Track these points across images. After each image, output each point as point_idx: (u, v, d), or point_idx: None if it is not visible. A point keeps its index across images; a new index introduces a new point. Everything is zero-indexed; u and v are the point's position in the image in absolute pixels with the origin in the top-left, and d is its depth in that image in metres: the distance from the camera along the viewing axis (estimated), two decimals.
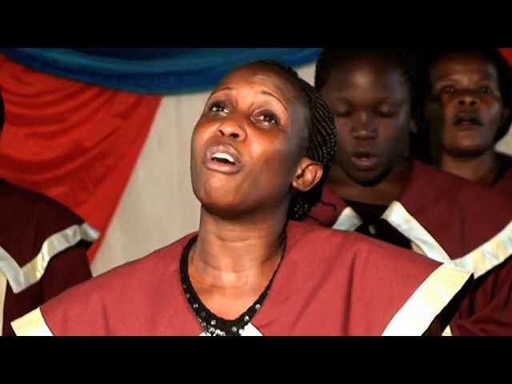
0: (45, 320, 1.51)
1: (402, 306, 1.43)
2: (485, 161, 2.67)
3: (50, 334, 1.51)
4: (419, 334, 1.41)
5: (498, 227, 2.34)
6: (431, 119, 2.63)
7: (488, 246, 2.35)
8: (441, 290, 1.43)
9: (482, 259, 2.36)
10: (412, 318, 1.42)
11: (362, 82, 2.28)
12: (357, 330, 1.43)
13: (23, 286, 2.82)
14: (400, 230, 2.28)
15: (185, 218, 3.59)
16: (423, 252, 2.33)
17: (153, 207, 3.86)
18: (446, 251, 2.27)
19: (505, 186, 2.70)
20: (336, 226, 2.26)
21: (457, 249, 2.33)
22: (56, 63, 3.82)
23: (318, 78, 2.38)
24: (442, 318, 1.47)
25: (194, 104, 3.77)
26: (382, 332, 1.42)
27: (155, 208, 3.85)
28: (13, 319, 1.74)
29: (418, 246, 2.29)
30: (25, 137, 3.38)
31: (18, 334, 1.53)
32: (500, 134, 2.88)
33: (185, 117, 3.86)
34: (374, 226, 2.30)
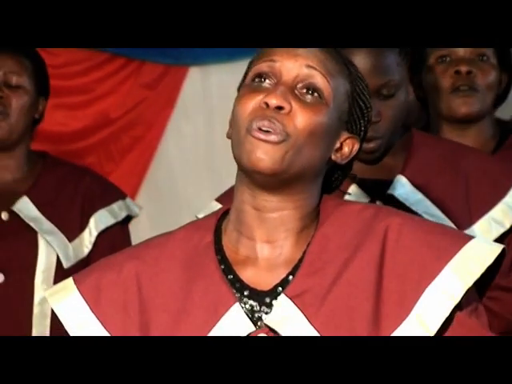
0: (77, 287, 1.50)
1: (433, 279, 1.41)
2: (484, 128, 2.67)
3: (83, 301, 1.49)
4: (450, 308, 1.39)
5: (502, 193, 2.33)
6: (428, 89, 2.64)
7: (493, 213, 2.33)
8: (472, 264, 1.43)
9: (489, 228, 2.36)
10: (444, 292, 1.41)
11: (361, 68, 2.32)
12: (389, 301, 1.42)
13: (72, 261, 2.83)
14: (407, 203, 2.27)
15: (212, 189, 3.28)
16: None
17: (180, 178, 3.86)
18: (455, 223, 2.25)
19: (506, 154, 2.69)
20: None
21: (464, 220, 2.32)
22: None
23: None
24: (479, 289, 1.47)
25: (221, 74, 3.86)
26: (414, 305, 1.40)
27: (183, 179, 3.85)
28: None
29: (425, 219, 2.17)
30: (51, 108, 3.15)
31: (51, 301, 1.52)
32: (499, 100, 2.88)
33: (211, 87, 3.90)
34: (382, 201, 2.28)
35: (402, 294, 1.41)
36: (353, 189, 2.19)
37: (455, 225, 2.25)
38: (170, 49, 3.88)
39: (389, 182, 2.29)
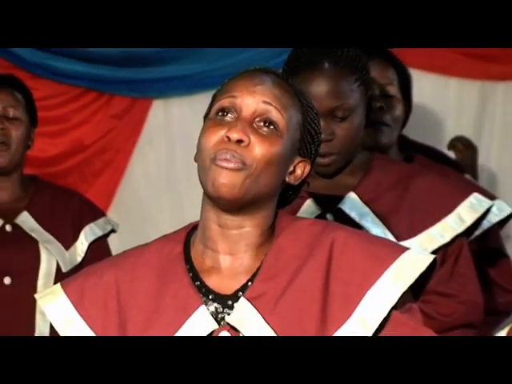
0: (64, 290, 1.63)
1: (373, 284, 1.54)
2: (392, 156, 2.88)
3: (68, 301, 1.64)
4: (388, 308, 1.53)
5: (446, 212, 2.46)
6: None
7: (434, 229, 2.47)
8: (407, 271, 1.54)
9: (430, 240, 2.48)
10: (382, 295, 1.54)
11: (317, 92, 2.39)
12: (334, 303, 1.56)
13: (69, 267, 3.10)
14: (352, 216, 2.42)
15: (173, 208, 3.77)
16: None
17: (145, 198, 4.11)
18: (393, 234, 2.41)
19: None
20: (299, 214, 2.42)
21: (404, 232, 2.45)
22: (58, 70, 4.09)
23: None
24: (414, 293, 1.69)
25: (181, 106, 4.12)
26: (357, 306, 1.54)
27: (147, 199, 4.10)
28: None
29: (368, 230, 2.44)
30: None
31: (40, 302, 1.68)
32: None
33: (173, 118, 4.15)
34: (332, 214, 2.44)
35: (346, 298, 1.53)
36: (308, 202, 2.38)
37: (395, 236, 2.42)
38: (136, 84, 4.16)
39: (342, 198, 2.46)
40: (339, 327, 1.53)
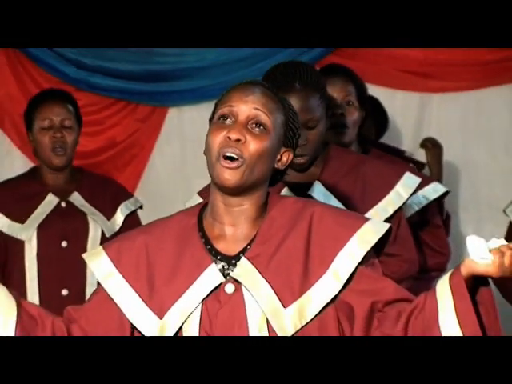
0: (105, 251, 1.82)
1: (343, 246, 1.74)
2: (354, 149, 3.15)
3: (108, 260, 1.82)
4: (355, 265, 1.72)
5: (388, 190, 2.74)
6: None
7: (380, 205, 2.74)
8: (369, 236, 1.74)
9: (377, 214, 2.72)
10: (350, 255, 1.73)
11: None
12: (314, 262, 1.74)
13: (111, 233, 3.47)
14: (319, 200, 2.63)
15: (186, 192, 3.79)
16: None
17: (163, 183, 4.58)
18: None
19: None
20: None
21: (358, 209, 2.67)
22: (96, 85, 4.58)
23: None
24: (376, 252, 1.81)
25: (191, 112, 4.56)
26: (331, 264, 1.73)
27: (164, 184, 4.57)
28: None
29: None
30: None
31: (87, 261, 1.86)
32: (381, 130, 3.76)
33: (184, 121, 4.61)
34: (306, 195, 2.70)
35: (323, 257, 1.73)
36: (285, 190, 2.63)
37: (353, 210, 2.58)
38: (156, 95, 4.64)
39: (310, 184, 2.70)
40: (317, 280, 1.73)
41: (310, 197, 2.63)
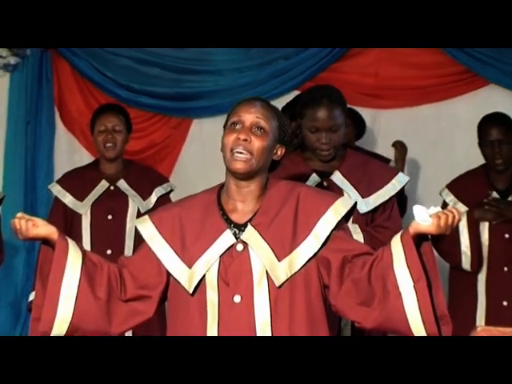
0: (150, 219, 2.14)
1: (322, 215, 2.03)
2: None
3: (152, 225, 2.10)
4: (330, 229, 2.00)
5: (386, 181, 3.02)
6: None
7: (381, 191, 3.03)
8: (341, 209, 2.06)
9: (378, 197, 3.04)
10: (327, 222, 2.03)
11: (321, 116, 2.99)
12: (300, 228, 2.01)
13: (145, 210, 3.87)
14: (338, 184, 2.97)
15: (205, 178, 3.95)
16: (349, 196, 2.96)
17: (189, 173, 5.22)
18: (360, 195, 2.98)
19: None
20: (307, 183, 2.94)
21: (365, 194, 3.00)
22: (141, 103, 5.36)
23: (300, 113, 3.03)
24: (345, 220, 2.08)
25: (209, 123, 5.27)
26: (313, 228, 1.99)
27: (190, 174, 5.20)
28: None
29: (347, 193, 2.97)
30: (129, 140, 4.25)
31: (137, 225, 2.16)
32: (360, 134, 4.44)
33: (204, 129, 5.33)
34: (327, 182, 3.01)
35: (307, 224, 2.02)
36: (313, 175, 2.96)
37: (361, 196, 2.96)
38: (183, 110, 5.38)
39: (331, 173, 2.99)
40: (303, 241, 2.01)
41: (331, 181, 2.97)
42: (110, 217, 3.95)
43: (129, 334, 3.53)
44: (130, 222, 3.96)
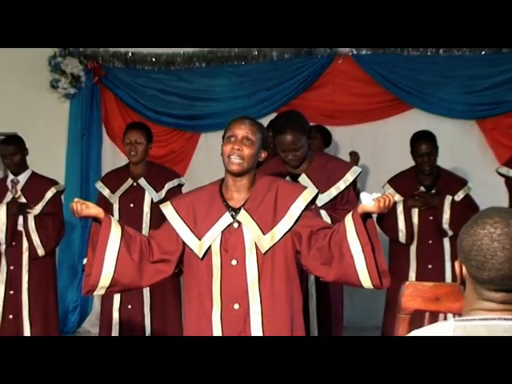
0: (171, 203, 2.63)
1: (294, 201, 2.52)
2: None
3: (172, 208, 2.55)
4: (300, 210, 2.45)
5: (341, 176, 3.48)
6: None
7: (338, 184, 3.45)
8: (307, 196, 2.54)
9: (335, 189, 3.47)
10: (298, 206, 2.52)
11: (286, 141, 3.42)
12: (278, 211, 2.45)
13: (157, 199, 4.48)
14: (303, 184, 3.31)
15: (210, 178, 3.19)
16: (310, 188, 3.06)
17: (198, 174, 5.96)
18: (320, 192, 3.22)
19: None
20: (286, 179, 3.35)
21: (325, 189, 3.43)
22: (162, 121, 6.40)
23: (272, 137, 3.44)
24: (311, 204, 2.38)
25: (212, 136, 6.10)
26: (288, 210, 2.46)
27: (199, 174, 5.90)
28: (155, 215, 4.00)
29: (309, 187, 3.09)
30: (151, 147, 4.74)
31: (162, 208, 2.56)
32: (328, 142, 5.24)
33: (209, 141, 6.23)
34: (297, 181, 3.47)
35: (283, 208, 2.51)
36: (288, 178, 3.40)
37: (320, 190, 3.19)
38: (194, 127, 6.33)
39: (299, 175, 3.43)
40: (280, 220, 2.51)
41: (298, 182, 3.32)
42: (132, 205, 4.56)
43: (147, 332, 4.42)
44: (147, 208, 4.61)
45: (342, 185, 3.49)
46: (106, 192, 4.60)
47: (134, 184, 4.62)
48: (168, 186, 4.63)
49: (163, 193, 4.58)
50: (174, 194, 4.02)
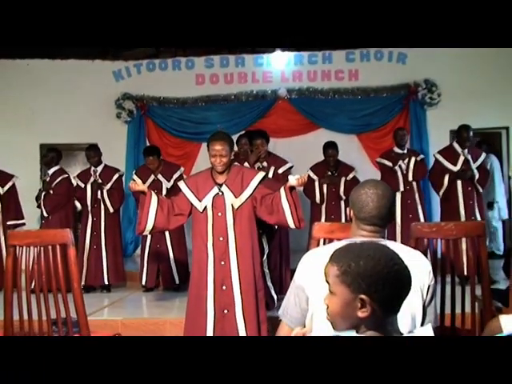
0: (184, 182, 4.75)
1: (252, 179, 4.60)
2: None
3: (185, 185, 4.62)
4: (255, 185, 4.49)
5: (252, 179, 4.59)
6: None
7: (250, 185, 4.55)
8: (259, 176, 4.59)
9: (249, 189, 4.52)
10: (254, 181, 4.61)
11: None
12: (243, 184, 4.49)
13: (168, 187, 7.19)
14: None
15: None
16: (232, 195, 4.60)
17: (200, 168, 6.24)
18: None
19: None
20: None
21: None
22: (180, 136, 9.99)
23: (207, 146, 4.53)
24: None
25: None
26: (249, 184, 4.50)
27: (201, 168, 5.50)
28: (171, 193, 6.44)
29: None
30: (165, 154, 7.82)
31: (179, 185, 4.72)
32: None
33: (206, 147, 5.32)
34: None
35: (246, 183, 4.61)
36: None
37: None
38: (198, 139, 9.49)
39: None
40: (245, 189, 4.49)
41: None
42: (155, 191, 5.23)
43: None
44: (164, 191, 6.82)
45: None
46: (144, 184, 6.04)
47: (155, 178, 7.16)
48: (174, 176, 7.14)
49: (171, 182, 7.01)
50: (178, 180, 6.08)
